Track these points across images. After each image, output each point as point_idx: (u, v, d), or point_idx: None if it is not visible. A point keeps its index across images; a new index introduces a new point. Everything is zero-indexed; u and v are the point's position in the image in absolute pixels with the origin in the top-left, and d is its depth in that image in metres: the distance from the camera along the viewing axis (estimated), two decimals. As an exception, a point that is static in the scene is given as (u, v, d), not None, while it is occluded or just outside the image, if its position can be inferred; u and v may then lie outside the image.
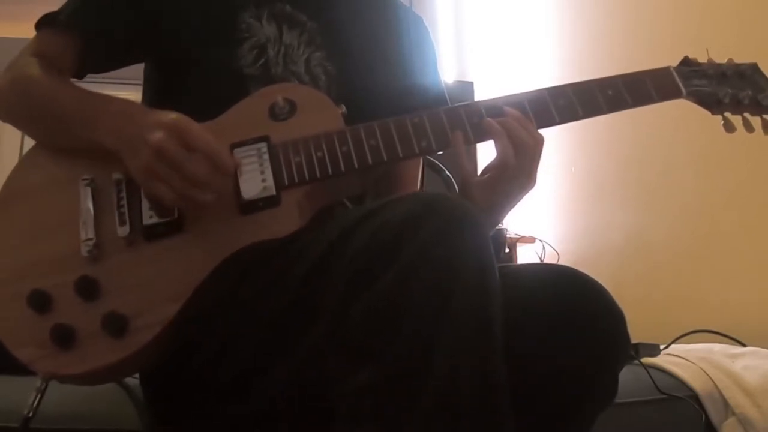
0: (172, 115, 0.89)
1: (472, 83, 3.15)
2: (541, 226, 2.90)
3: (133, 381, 1.10)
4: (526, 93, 1.01)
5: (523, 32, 3.26)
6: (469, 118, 0.99)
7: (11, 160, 1.02)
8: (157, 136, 0.86)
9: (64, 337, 0.86)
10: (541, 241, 2.81)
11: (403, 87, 1.18)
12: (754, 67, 1.08)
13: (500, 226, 2.61)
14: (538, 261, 2.77)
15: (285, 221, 0.91)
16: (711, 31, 2.15)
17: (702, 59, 1.09)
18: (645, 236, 2.44)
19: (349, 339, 0.75)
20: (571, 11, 2.97)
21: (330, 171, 0.94)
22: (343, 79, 1.12)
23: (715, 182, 2.15)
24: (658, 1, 2.46)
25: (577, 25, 2.93)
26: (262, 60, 1.07)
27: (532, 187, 0.99)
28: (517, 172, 0.97)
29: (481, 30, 3.58)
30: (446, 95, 1.24)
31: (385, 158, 0.96)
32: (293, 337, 0.84)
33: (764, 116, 1.07)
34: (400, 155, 0.96)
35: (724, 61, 1.09)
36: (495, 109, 0.99)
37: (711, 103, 1.06)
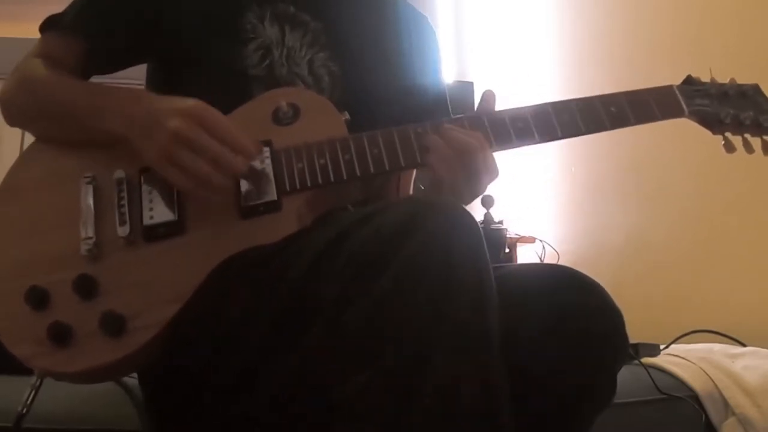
0: (190, 101, 0.90)
1: (472, 83, 3.15)
2: (541, 226, 2.90)
3: (133, 381, 1.10)
4: (530, 107, 1.01)
5: (523, 32, 3.26)
6: (472, 129, 0.98)
7: (11, 160, 1.02)
8: (177, 121, 0.87)
9: (61, 335, 0.86)
10: (541, 241, 2.81)
11: (404, 87, 1.18)
12: (756, 89, 1.09)
13: (500, 226, 2.61)
14: (538, 261, 2.77)
15: (285, 227, 0.91)
16: (711, 32, 2.14)
17: (703, 73, 1.10)
18: (645, 236, 2.44)
19: (348, 341, 0.75)
20: (571, 11, 2.97)
21: (332, 178, 0.94)
22: (346, 79, 1.11)
23: (715, 182, 2.15)
24: (658, 1, 2.46)
25: (577, 26, 2.93)
26: (267, 61, 1.07)
27: (494, 177, 0.98)
28: (458, 184, 0.96)
29: (481, 30, 3.58)
30: (447, 96, 1.24)
31: (387, 167, 0.96)
32: (292, 338, 0.84)
33: (764, 137, 1.07)
34: (402, 165, 0.96)
35: (726, 80, 1.10)
36: (498, 120, 0.99)
37: (712, 123, 1.06)
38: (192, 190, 0.89)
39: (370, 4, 1.21)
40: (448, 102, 1.24)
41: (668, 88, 1.05)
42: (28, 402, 0.90)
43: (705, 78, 1.09)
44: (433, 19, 1.31)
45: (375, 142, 0.96)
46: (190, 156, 0.87)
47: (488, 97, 1.01)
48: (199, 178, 0.88)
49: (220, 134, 0.88)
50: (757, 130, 1.06)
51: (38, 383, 0.90)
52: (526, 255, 2.87)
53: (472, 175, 0.95)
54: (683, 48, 2.21)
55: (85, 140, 0.99)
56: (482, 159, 0.95)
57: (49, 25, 1.09)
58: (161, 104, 0.92)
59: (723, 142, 1.07)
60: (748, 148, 1.06)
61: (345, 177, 0.94)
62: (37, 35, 1.10)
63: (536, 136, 0.99)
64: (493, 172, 0.97)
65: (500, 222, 2.65)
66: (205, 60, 1.06)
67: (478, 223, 0.79)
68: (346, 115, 1.00)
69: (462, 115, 1.00)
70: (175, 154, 0.87)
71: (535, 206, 3.01)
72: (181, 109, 0.89)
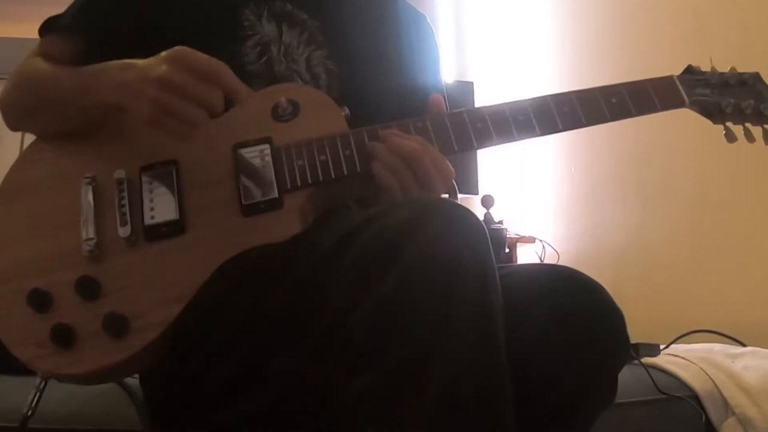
0: (169, 50, 0.90)
1: (472, 83, 3.15)
2: (541, 226, 2.91)
3: (133, 381, 1.10)
4: (530, 99, 1.00)
5: (523, 32, 3.26)
6: (473, 123, 0.98)
7: (11, 160, 1.02)
8: (161, 68, 0.88)
9: (63, 337, 0.86)
10: (541, 241, 2.82)
11: (403, 87, 1.17)
12: (757, 77, 1.08)
13: (500, 226, 2.62)
14: (538, 261, 2.77)
15: (287, 224, 0.91)
16: (711, 31, 2.15)
17: (703, 63, 1.10)
18: (645, 236, 2.44)
19: (350, 342, 0.75)
20: (571, 11, 2.97)
21: (333, 174, 0.94)
22: (344, 78, 1.11)
23: (715, 182, 2.15)
24: (658, 1, 2.46)
25: (577, 26, 2.93)
26: (266, 57, 1.07)
27: (448, 177, 0.95)
28: (411, 191, 0.93)
29: (481, 30, 3.58)
30: (445, 96, 1.24)
31: None
32: (294, 339, 0.84)
33: (765, 126, 1.07)
34: None
35: (727, 69, 1.09)
36: (498, 114, 0.99)
37: (713, 113, 1.06)
38: (183, 133, 0.90)
39: (369, 2, 1.21)
40: (447, 101, 1.24)
41: (668, 79, 1.05)
42: (34, 404, 0.89)
43: (704, 61, 1.09)
44: (433, 19, 1.31)
45: (375, 136, 0.96)
46: (176, 99, 0.87)
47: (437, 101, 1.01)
48: (184, 118, 0.88)
49: (204, 72, 0.88)
50: (758, 118, 1.06)
51: (42, 385, 0.89)
52: (526, 255, 2.87)
53: (423, 180, 0.93)
54: (683, 49, 2.21)
55: (84, 134, 0.99)
56: (430, 162, 0.93)
57: (47, 27, 1.10)
58: (147, 61, 0.92)
59: (724, 132, 1.06)
60: (749, 137, 1.06)
61: (346, 173, 0.94)
62: (37, 35, 1.11)
63: (537, 129, 0.99)
64: (445, 172, 0.94)
65: (500, 222, 2.65)
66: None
67: (483, 225, 0.79)
68: (346, 111, 0.99)
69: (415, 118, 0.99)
70: (162, 100, 0.87)
71: (535, 206, 3.01)
72: (164, 56, 0.89)
